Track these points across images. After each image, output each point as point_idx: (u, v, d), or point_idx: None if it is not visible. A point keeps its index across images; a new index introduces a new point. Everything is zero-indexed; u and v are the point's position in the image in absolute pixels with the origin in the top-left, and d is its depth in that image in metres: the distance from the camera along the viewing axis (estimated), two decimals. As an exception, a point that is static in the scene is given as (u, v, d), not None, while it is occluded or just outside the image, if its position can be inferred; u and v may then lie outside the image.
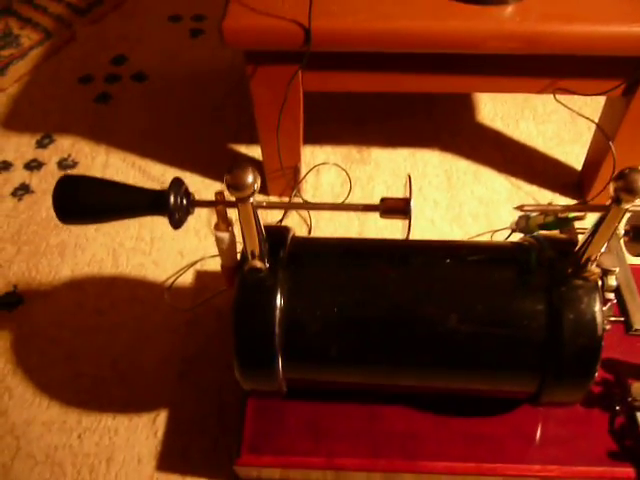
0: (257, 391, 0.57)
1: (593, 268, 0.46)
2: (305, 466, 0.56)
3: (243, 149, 0.96)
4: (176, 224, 0.44)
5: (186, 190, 0.46)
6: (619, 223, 0.43)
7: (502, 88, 0.71)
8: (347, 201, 0.88)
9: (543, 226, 0.51)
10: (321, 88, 0.72)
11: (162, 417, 0.68)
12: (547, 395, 0.50)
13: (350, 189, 0.89)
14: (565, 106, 0.76)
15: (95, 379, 0.71)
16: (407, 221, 0.45)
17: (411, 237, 0.48)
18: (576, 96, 0.71)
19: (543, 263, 0.50)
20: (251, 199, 0.42)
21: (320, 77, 0.70)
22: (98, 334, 0.75)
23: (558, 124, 0.98)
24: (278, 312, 0.48)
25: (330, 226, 0.86)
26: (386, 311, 0.49)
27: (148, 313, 0.76)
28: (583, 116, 0.78)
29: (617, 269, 0.57)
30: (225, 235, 0.47)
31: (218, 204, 0.44)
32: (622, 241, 0.62)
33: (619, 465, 0.55)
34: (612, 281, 0.57)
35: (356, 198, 0.89)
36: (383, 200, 0.44)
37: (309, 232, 0.85)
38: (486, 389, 0.53)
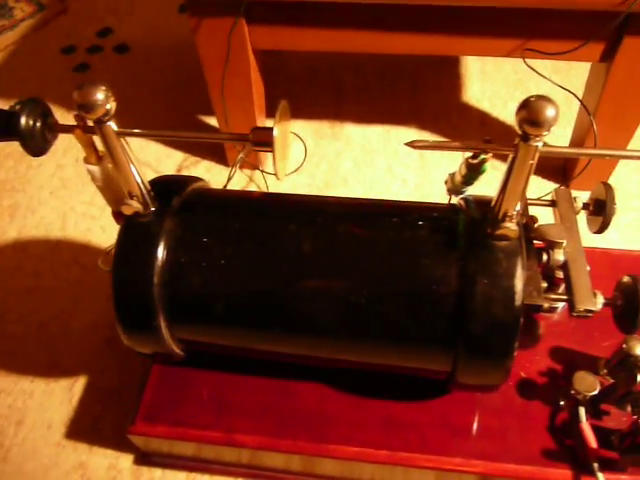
0: (159, 355, 0.52)
1: (510, 225, 0.40)
2: (202, 440, 0.51)
3: (214, 121, 0.93)
4: (33, 151, 0.40)
5: (45, 112, 0.41)
6: (533, 166, 0.37)
7: (467, 49, 0.64)
8: (303, 172, 0.83)
9: (465, 182, 0.45)
10: (271, 45, 0.68)
11: (80, 384, 0.64)
12: (462, 374, 0.44)
13: (304, 159, 0.83)
14: (538, 73, 0.69)
15: (20, 341, 0.68)
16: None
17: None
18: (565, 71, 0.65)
19: (466, 224, 0.44)
20: (110, 123, 0.38)
21: (269, 33, 0.66)
22: (31, 296, 0.72)
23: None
24: (159, 262, 0.44)
25: (289, 200, 0.81)
26: (279, 268, 0.43)
27: (85, 278, 0.73)
28: (564, 88, 0.71)
29: (564, 242, 0.50)
30: (94, 168, 0.43)
31: (76, 128, 0.40)
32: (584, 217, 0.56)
33: (554, 466, 0.48)
34: (559, 255, 0.50)
35: (321, 173, 0.84)
36: (253, 130, 0.38)
37: (266, 205, 0.80)
38: (395, 363, 0.47)
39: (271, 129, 0.36)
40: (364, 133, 0.89)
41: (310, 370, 0.53)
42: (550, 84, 0.71)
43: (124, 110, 0.94)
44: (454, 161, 0.83)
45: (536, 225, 0.51)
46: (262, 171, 0.83)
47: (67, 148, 0.89)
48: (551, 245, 0.50)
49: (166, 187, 0.47)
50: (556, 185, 0.80)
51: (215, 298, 0.44)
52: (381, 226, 0.45)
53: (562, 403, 0.51)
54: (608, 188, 0.53)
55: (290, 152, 0.42)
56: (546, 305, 0.47)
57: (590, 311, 0.47)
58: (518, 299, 0.40)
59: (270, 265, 0.43)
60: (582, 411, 0.48)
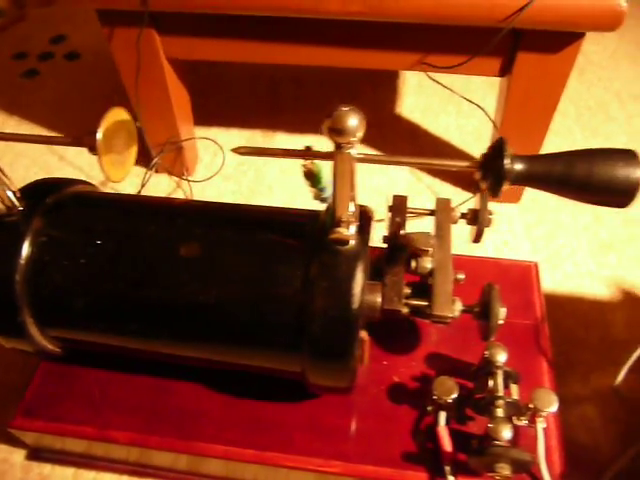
0: (38, 353, 0.53)
1: (342, 230, 0.41)
2: (77, 435, 0.53)
3: (152, 128, 0.95)
4: None
5: None
6: (353, 173, 0.39)
7: (368, 63, 0.66)
8: (230, 179, 0.84)
9: (315, 188, 0.47)
10: (184, 55, 0.70)
11: (-16, 380, 0.66)
12: (311, 375, 0.45)
13: (222, 166, 0.85)
14: (443, 85, 0.71)
15: None
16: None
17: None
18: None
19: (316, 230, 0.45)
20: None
21: (179, 43, 0.68)
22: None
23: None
24: (23, 260, 0.45)
25: (214, 206, 0.82)
26: (134, 268, 0.45)
27: None
28: (471, 102, 0.73)
29: (430, 250, 0.52)
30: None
31: None
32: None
33: (412, 468, 0.49)
34: (426, 262, 0.52)
35: (247, 180, 0.86)
36: (86, 134, 0.40)
37: (189, 210, 0.82)
38: (249, 363, 0.48)
39: (95, 133, 0.38)
40: (295, 142, 0.91)
41: (187, 369, 0.54)
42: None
43: (64, 116, 0.98)
44: (382, 175, 0.86)
45: (404, 232, 0.52)
46: (186, 179, 0.84)
47: (3, 152, 0.91)
48: (419, 252, 0.51)
49: (39, 189, 0.49)
50: (467, 194, 0.82)
51: (74, 296, 0.46)
52: (237, 230, 0.46)
53: (429, 408, 0.52)
54: (483, 198, 0.54)
55: (132, 158, 0.43)
56: (405, 310, 0.49)
57: (447, 317, 0.48)
58: (355, 302, 0.42)
59: (126, 265, 0.45)
60: (442, 415, 0.49)
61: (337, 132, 0.35)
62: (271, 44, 0.67)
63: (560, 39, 0.61)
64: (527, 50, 0.62)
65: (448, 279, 0.50)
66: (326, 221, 0.44)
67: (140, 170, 0.87)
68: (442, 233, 0.54)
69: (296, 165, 0.87)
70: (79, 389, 0.55)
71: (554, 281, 0.73)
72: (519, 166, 0.36)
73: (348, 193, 0.40)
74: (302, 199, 0.83)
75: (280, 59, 0.68)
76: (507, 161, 0.36)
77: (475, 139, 0.90)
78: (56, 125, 0.96)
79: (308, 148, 0.40)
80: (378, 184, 0.84)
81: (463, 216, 0.56)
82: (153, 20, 0.65)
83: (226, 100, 0.98)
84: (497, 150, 0.36)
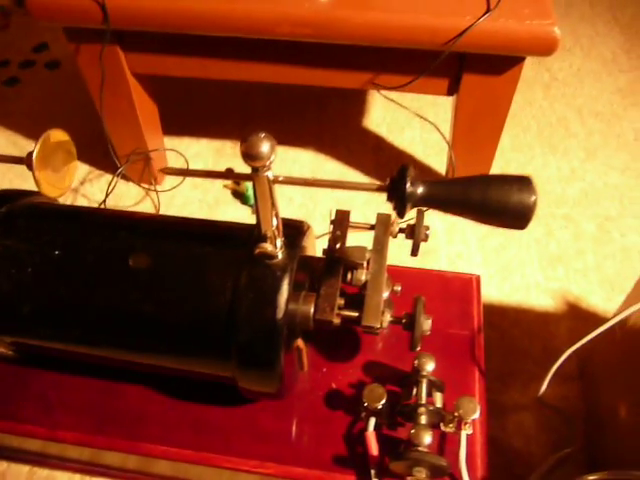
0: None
1: (264, 245, 0.44)
2: (29, 435, 0.55)
3: (126, 137, 0.98)
4: None
5: None
6: (273, 193, 0.41)
7: (319, 80, 0.69)
8: (198, 188, 0.87)
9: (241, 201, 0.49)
10: (147, 70, 0.73)
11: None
12: (241, 381, 0.48)
13: (187, 166, 0.88)
14: (398, 104, 0.73)
15: None
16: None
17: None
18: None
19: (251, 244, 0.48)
20: None
21: (143, 59, 0.71)
22: None
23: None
24: (-27, 268, 0.48)
25: (179, 213, 0.85)
26: (77, 277, 0.48)
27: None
28: (423, 117, 0.76)
29: (364, 262, 0.54)
30: None
31: None
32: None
33: (340, 471, 0.52)
34: (360, 275, 0.54)
35: (215, 190, 0.88)
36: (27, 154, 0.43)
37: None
38: (187, 368, 0.51)
39: (31, 152, 0.41)
40: (262, 153, 0.93)
41: (134, 373, 0.57)
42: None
43: (41, 124, 1.00)
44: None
45: (340, 245, 0.55)
46: (154, 189, 0.87)
47: (-18, 158, 0.94)
48: (354, 265, 0.54)
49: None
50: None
51: (21, 303, 0.48)
52: (176, 243, 0.49)
53: (362, 414, 0.55)
54: (420, 214, 0.57)
55: (70, 176, 0.46)
56: (336, 321, 0.51)
57: (375, 328, 0.51)
58: (279, 313, 0.44)
59: (69, 275, 0.48)
60: (371, 421, 0.52)
61: (251, 157, 0.38)
62: (230, 62, 0.70)
63: (502, 62, 0.64)
64: (471, 72, 0.65)
65: (379, 291, 0.53)
66: (256, 236, 0.46)
67: (110, 177, 0.90)
68: (379, 247, 0.57)
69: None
70: (32, 390, 0.58)
71: (503, 292, 0.75)
72: (420, 190, 0.39)
73: (269, 211, 0.42)
74: (266, 209, 0.86)
75: (238, 76, 0.71)
76: (409, 186, 0.38)
77: (437, 152, 0.93)
78: (34, 134, 0.98)
79: (229, 170, 0.43)
80: (339, 196, 0.87)
81: (402, 231, 0.59)
82: (117, 37, 0.68)
83: (197, 110, 1.01)
84: (401, 175, 0.39)
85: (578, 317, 0.73)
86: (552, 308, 0.74)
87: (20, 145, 0.97)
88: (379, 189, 0.40)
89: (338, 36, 0.61)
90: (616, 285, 0.76)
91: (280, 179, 0.41)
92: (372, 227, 0.60)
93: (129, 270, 0.48)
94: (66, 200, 0.87)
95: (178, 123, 0.97)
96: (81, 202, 0.87)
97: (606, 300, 0.74)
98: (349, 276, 0.54)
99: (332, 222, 0.60)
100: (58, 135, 0.42)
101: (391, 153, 0.94)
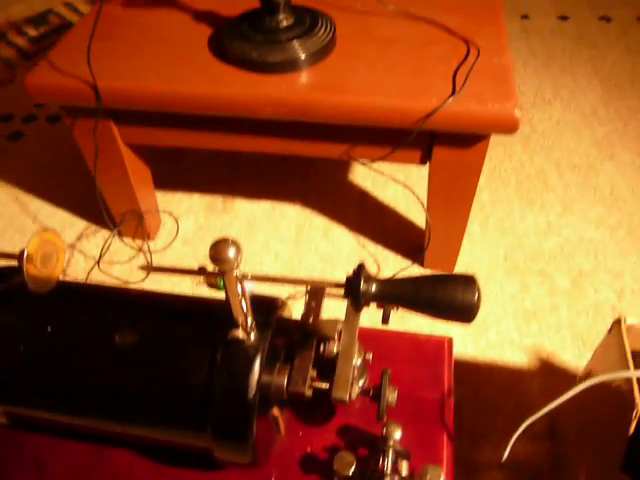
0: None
1: (236, 332, 0.47)
2: (19, 498, 0.59)
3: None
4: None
5: None
6: (241, 287, 0.45)
7: (301, 151, 0.73)
8: (189, 244, 0.91)
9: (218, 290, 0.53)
10: (138, 141, 0.77)
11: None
12: (218, 452, 0.51)
13: (175, 236, 0.92)
14: (378, 171, 0.77)
15: None
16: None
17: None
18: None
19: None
20: None
21: (134, 132, 0.75)
22: None
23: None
24: (-32, 346, 0.52)
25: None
26: (63, 356, 0.51)
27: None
28: (400, 182, 0.80)
29: (335, 335, 0.58)
30: None
31: None
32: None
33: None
34: (332, 347, 0.58)
35: (204, 246, 0.92)
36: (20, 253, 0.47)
37: (148, 273, 0.88)
38: (166, 439, 0.54)
39: (23, 251, 0.45)
40: (252, 208, 0.98)
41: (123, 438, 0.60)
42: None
43: (42, 178, 1.05)
44: (327, 241, 0.92)
45: (313, 320, 0.59)
46: (147, 248, 0.91)
47: (-16, 213, 0.99)
48: (325, 338, 0.58)
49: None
50: (406, 262, 0.88)
51: (12, 378, 0.52)
52: (158, 321, 0.53)
53: (335, 479, 0.57)
54: (360, 266, 0.61)
55: (57, 273, 0.49)
56: (308, 393, 0.55)
57: (344, 401, 0.54)
58: (250, 393, 0.48)
59: (56, 353, 0.51)
60: (341, 487, 0.55)
61: (219, 261, 0.42)
62: (217, 134, 0.74)
63: (470, 137, 0.68)
64: (441, 145, 0.69)
65: (349, 364, 0.56)
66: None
67: (105, 233, 0.94)
68: (351, 318, 0.60)
69: (252, 231, 0.93)
70: (23, 452, 0.61)
71: (478, 349, 0.78)
72: (374, 289, 0.42)
73: (239, 303, 0.46)
74: (252, 264, 0.90)
75: (225, 146, 0.76)
76: (363, 285, 0.42)
77: (419, 207, 0.96)
78: (35, 189, 1.03)
79: (202, 269, 0.47)
80: (324, 251, 0.91)
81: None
82: (110, 113, 0.73)
83: (188, 165, 1.06)
84: (356, 275, 0.43)
85: (550, 374, 0.76)
86: (525, 365, 0.77)
87: (21, 201, 1.01)
88: (338, 286, 0.44)
89: (315, 116, 0.65)
90: (587, 342, 0.79)
91: (248, 277, 0.45)
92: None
93: (115, 347, 0.51)
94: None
95: (170, 178, 1.02)
96: (77, 258, 0.91)
97: (578, 357, 0.77)
98: (322, 348, 0.58)
99: (307, 292, 0.64)
100: (49, 235, 0.46)
101: (375, 207, 0.98)
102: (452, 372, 0.66)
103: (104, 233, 0.95)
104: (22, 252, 0.45)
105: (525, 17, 1.43)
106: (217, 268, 0.42)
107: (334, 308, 0.73)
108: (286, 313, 0.59)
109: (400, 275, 0.86)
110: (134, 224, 0.90)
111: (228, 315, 0.52)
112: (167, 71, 0.68)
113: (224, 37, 0.70)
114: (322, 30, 0.70)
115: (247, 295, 0.47)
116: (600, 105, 1.17)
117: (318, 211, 0.97)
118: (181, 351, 0.51)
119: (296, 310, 0.80)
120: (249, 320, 0.48)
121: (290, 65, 0.67)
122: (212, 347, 0.50)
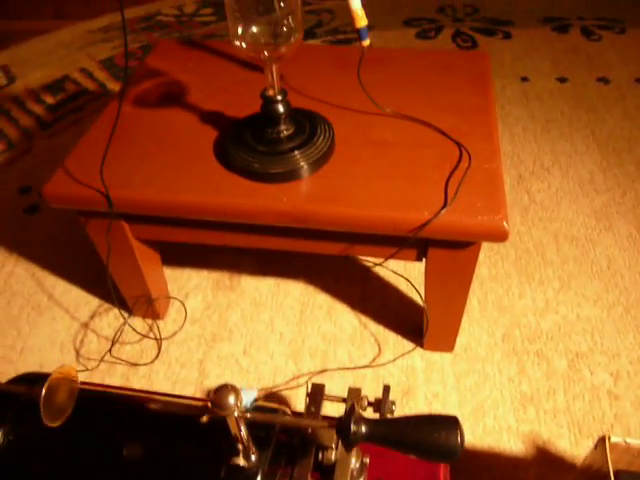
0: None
1: (236, 459, 0.51)
2: None
3: (133, 266, 1.06)
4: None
5: None
6: (240, 428, 0.48)
7: (302, 248, 0.77)
8: (197, 323, 0.95)
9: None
10: (149, 237, 0.81)
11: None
12: None
13: (184, 321, 0.96)
14: (386, 267, 0.81)
15: None
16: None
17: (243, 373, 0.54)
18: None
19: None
20: None
21: (145, 229, 0.79)
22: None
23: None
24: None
25: (179, 349, 0.92)
26: (77, 466, 0.55)
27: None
28: (399, 274, 0.83)
29: (333, 444, 0.60)
30: None
31: None
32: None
33: None
34: (330, 455, 0.60)
35: (211, 324, 0.96)
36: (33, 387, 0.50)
37: (158, 353, 0.92)
38: None
39: (42, 386, 0.48)
40: (257, 285, 1.01)
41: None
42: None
43: (58, 254, 1.10)
44: (330, 320, 0.95)
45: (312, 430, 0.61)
46: (158, 338, 0.95)
47: (2, 290, 1.03)
48: (323, 447, 0.60)
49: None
50: (412, 345, 0.91)
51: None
52: (168, 438, 0.56)
53: None
54: (385, 390, 0.64)
55: (70, 409, 0.53)
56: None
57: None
58: (251, 513, 0.51)
59: (71, 463, 0.55)
60: None
61: (219, 407, 0.45)
62: (222, 233, 0.78)
63: (462, 241, 0.71)
64: (436, 247, 0.72)
65: (345, 473, 0.59)
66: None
67: (117, 312, 0.98)
68: (344, 455, 0.63)
69: (257, 309, 0.97)
70: None
71: (475, 435, 0.80)
72: (363, 430, 0.45)
73: (240, 437, 0.49)
74: (257, 345, 0.93)
75: (230, 242, 0.79)
76: (353, 426, 0.45)
77: (420, 285, 0.99)
78: (51, 263, 1.08)
79: (207, 406, 0.50)
80: (325, 331, 0.94)
81: (370, 404, 0.65)
82: (121, 214, 0.77)
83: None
84: (348, 415, 0.46)
85: (547, 463, 0.78)
86: (522, 453, 0.79)
87: (37, 277, 1.06)
88: (330, 426, 0.47)
89: (313, 225, 0.69)
90: (584, 428, 0.80)
91: (247, 416, 0.48)
92: (344, 400, 0.66)
93: (122, 460, 0.55)
94: (77, 335, 0.96)
95: (180, 254, 1.06)
96: (91, 338, 0.95)
97: (574, 444, 0.79)
98: (320, 455, 0.61)
99: (308, 395, 0.67)
100: (65, 370, 0.50)
101: (376, 285, 1.01)
102: (448, 470, 0.69)
103: (116, 312, 0.99)
104: (40, 391, 0.48)
105: (525, 79, 1.46)
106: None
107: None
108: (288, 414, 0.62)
109: (400, 359, 0.89)
110: (144, 304, 0.94)
111: (228, 439, 0.56)
112: (174, 180, 0.72)
113: (228, 145, 0.74)
114: (321, 138, 0.74)
115: (246, 431, 0.50)
116: (598, 172, 1.20)
117: (321, 289, 1.00)
118: (186, 470, 0.54)
119: (295, 398, 0.83)
120: (249, 447, 0.51)
121: (291, 175, 0.70)
122: (214, 468, 0.53)
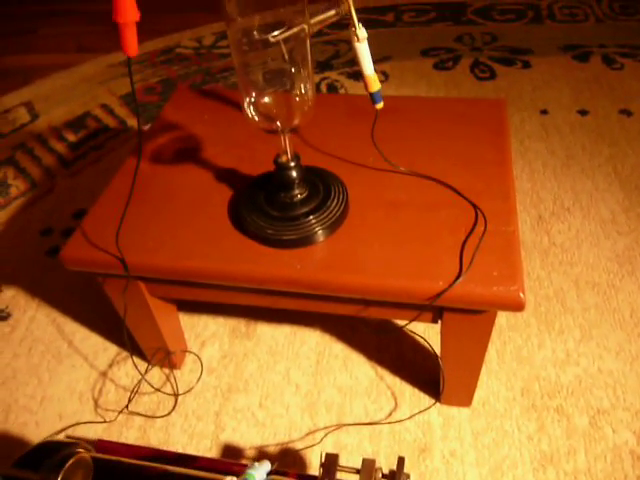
0: None
1: None
2: None
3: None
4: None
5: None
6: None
7: (317, 309, 0.76)
8: (213, 373, 0.95)
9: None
10: (164, 295, 0.82)
11: None
12: None
13: (199, 377, 0.96)
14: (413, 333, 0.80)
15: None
16: None
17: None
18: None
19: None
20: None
21: (161, 288, 0.80)
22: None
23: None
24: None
25: (196, 400, 0.93)
26: None
27: (10, 475, 0.86)
28: (415, 333, 0.82)
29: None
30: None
31: None
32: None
33: None
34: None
35: (227, 375, 0.96)
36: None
37: (174, 405, 0.92)
38: None
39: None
40: (273, 333, 1.01)
41: None
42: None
43: (77, 299, 1.11)
44: (346, 372, 0.95)
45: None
46: (175, 394, 0.95)
47: (24, 337, 1.05)
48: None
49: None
50: (429, 398, 0.90)
51: None
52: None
53: None
54: (400, 462, 0.63)
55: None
56: None
57: None
58: None
59: None
60: None
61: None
62: (237, 293, 0.78)
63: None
64: (451, 312, 0.71)
65: None
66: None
67: (138, 362, 0.99)
68: None
69: (273, 358, 0.97)
70: None
71: (494, 498, 0.79)
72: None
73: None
74: (272, 397, 0.93)
75: (244, 302, 0.79)
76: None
77: (436, 338, 0.98)
78: (71, 309, 1.09)
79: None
80: (341, 383, 0.93)
81: (384, 476, 0.64)
82: (137, 276, 0.78)
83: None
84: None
85: (567, 529, 0.76)
86: (542, 518, 0.77)
87: (58, 323, 1.07)
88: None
89: (326, 292, 0.69)
90: (606, 492, 0.78)
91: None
92: (358, 471, 0.66)
93: None
94: (96, 384, 0.97)
95: (196, 302, 1.06)
96: (109, 388, 0.96)
97: (595, 509, 0.77)
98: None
99: (322, 465, 0.66)
100: (81, 455, 0.50)
101: (393, 335, 1.00)
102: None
103: (136, 360, 0.99)
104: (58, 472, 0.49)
105: (544, 112, 1.44)
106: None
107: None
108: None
109: (416, 417, 0.88)
110: (162, 355, 0.95)
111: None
112: (188, 244, 0.73)
113: (241, 209, 0.74)
114: (335, 201, 0.74)
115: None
116: (620, 212, 1.17)
117: (337, 337, 1.00)
118: None
119: (311, 454, 0.82)
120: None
121: (304, 242, 0.70)
122: None
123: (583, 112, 1.43)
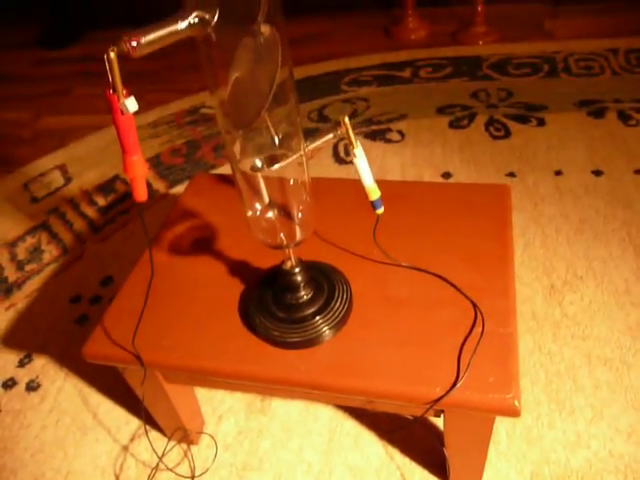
0: None
1: None
2: None
3: (171, 383, 1.12)
4: None
5: None
6: None
7: (325, 400, 0.80)
8: (229, 449, 0.98)
9: None
10: (181, 383, 0.87)
11: None
12: None
13: (215, 457, 1.00)
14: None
15: None
16: None
17: None
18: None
19: None
20: None
21: (177, 378, 0.85)
22: None
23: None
24: None
25: (212, 478, 0.96)
26: None
27: None
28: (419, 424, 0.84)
29: None
30: None
31: None
32: None
33: None
34: None
35: (242, 452, 0.99)
36: None
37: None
38: None
39: None
40: (287, 408, 1.04)
41: None
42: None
43: (103, 374, 1.16)
44: (357, 450, 0.97)
45: None
46: (192, 476, 0.99)
47: (52, 408, 1.11)
48: None
49: None
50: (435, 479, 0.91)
51: None
52: None
53: None
54: None
55: None
56: None
57: None
58: None
59: None
60: None
61: None
62: (249, 386, 0.82)
63: (478, 406, 0.72)
64: (451, 410, 0.73)
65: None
66: None
67: (159, 437, 1.03)
68: None
69: (287, 435, 1.00)
70: None
71: None
72: None
73: None
74: (285, 476, 0.95)
75: (257, 392, 0.83)
76: None
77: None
78: (96, 379, 1.15)
79: None
80: (352, 462, 0.95)
81: None
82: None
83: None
84: None
85: None
86: None
87: (84, 394, 1.13)
88: None
89: (329, 392, 0.72)
90: None
91: None
92: None
93: None
94: (117, 459, 1.01)
95: (215, 374, 1.10)
96: (130, 463, 1.01)
97: None
98: None
99: None
100: None
101: (404, 431, 1.02)
102: None
103: (154, 435, 1.04)
104: None
105: (558, 173, 1.46)
106: None
107: None
108: None
109: (425, 497, 0.90)
110: (179, 435, 0.99)
111: None
112: (199, 343, 0.77)
113: (250, 308, 0.78)
114: (339, 301, 0.77)
115: None
116: (635, 281, 1.17)
117: (349, 413, 1.02)
118: None
119: None
120: None
121: (308, 343, 0.74)
122: None
123: (597, 172, 1.43)
